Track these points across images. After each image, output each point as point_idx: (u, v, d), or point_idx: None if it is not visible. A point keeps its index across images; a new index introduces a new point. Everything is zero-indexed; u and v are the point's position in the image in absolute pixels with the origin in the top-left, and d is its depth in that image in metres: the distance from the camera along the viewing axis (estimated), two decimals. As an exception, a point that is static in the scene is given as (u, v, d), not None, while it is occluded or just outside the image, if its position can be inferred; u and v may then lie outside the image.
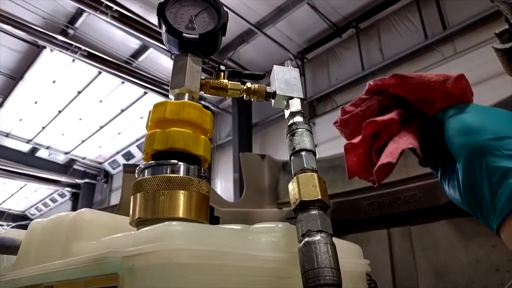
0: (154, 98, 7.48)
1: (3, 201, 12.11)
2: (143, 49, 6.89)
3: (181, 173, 0.48)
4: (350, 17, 6.03)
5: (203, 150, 0.50)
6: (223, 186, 7.51)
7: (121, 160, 9.96)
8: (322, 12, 5.95)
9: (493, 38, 0.55)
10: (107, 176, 10.70)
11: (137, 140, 9.14)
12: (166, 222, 0.40)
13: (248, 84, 0.58)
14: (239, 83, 0.58)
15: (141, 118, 8.31)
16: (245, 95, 0.58)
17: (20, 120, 8.59)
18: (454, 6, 5.03)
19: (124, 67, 6.57)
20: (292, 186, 0.47)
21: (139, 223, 0.47)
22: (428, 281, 1.90)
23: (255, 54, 6.84)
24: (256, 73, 0.61)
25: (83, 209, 0.54)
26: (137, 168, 0.49)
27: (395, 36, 5.63)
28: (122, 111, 8.20)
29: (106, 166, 10.51)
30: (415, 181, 2.13)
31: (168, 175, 0.47)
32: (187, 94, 0.54)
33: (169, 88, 0.55)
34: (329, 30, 6.29)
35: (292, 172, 0.48)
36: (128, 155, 9.70)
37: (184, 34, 0.55)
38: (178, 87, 0.54)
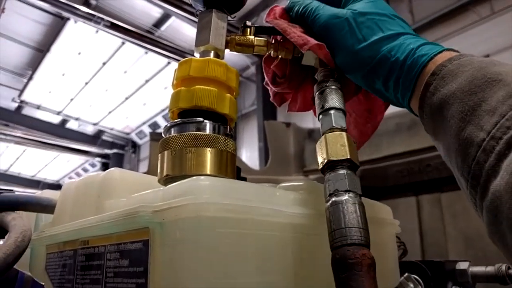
0: (177, 68, 7.48)
1: (39, 171, 12.72)
2: (165, 17, 6.83)
3: (207, 131, 0.48)
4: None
5: (228, 108, 0.50)
6: (248, 155, 7.57)
7: (148, 131, 10.17)
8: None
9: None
10: (135, 146, 10.98)
11: (162, 110, 9.26)
12: (194, 177, 0.40)
13: (275, 41, 0.56)
14: (266, 39, 0.56)
15: (165, 88, 8.38)
16: (272, 51, 0.56)
17: (49, 92, 8.85)
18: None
19: (147, 37, 6.57)
20: (319, 145, 0.46)
21: (167, 180, 0.47)
22: (458, 248, 1.88)
23: (279, 20, 6.66)
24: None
25: (112, 168, 0.55)
26: (164, 127, 0.49)
27: (427, -4, 5.33)
28: (147, 81, 8.28)
29: (133, 136, 10.77)
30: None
31: (195, 132, 0.47)
32: (212, 51, 0.53)
33: (194, 45, 0.54)
34: None
35: (320, 131, 0.47)
36: (154, 126, 9.88)
37: (207, -12, 0.53)
38: (203, 44, 0.53)
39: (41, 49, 7.66)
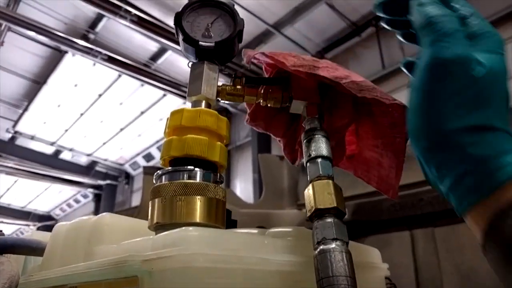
0: (173, 100, 7.59)
1: (29, 202, 12.51)
2: (161, 51, 6.99)
3: (198, 179, 0.49)
4: (369, 16, 5.95)
5: (218, 156, 0.51)
6: (243, 187, 7.54)
7: (142, 162, 10.14)
8: (341, 11, 5.90)
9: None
10: (128, 177, 10.90)
11: (157, 142, 9.28)
12: (183, 228, 0.41)
13: (264, 90, 0.59)
14: (255, 89, 0.59)
15: (161, 120, 8.44)
16: (261, 101, 0.59)
17: (44, 123, 8.87)
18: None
19: (143, 70, 6.69)
20: (307, 194, 0.47)
21: (157, 227, 0.48)
22: (453, 283, 1.86)
23: (273, 55, 6.84)
24: (273, 77, 0.62)
25: (104, 214, 0.56)
26: (155, 174, 0.51)
27: (415, 34, 5.52)
28: (142, 113, 8.35)
29: (127, 167, 10.71)
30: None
31: (185, 181, 0.48)
32: (203, 101, 0.55)
33: (186, 93, 0.56)
34: (348, 29, 6.23)
35: (308, 179, 0.49)
36: (148, 157, 9.86)
37: (200, 42, 0.56)
38: (195, 94, 0.55)
39: (38, 81, 7.75)
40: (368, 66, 6.00)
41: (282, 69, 0.57)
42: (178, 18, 0.57)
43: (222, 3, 0.60)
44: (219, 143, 0.52)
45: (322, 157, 0.49)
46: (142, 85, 7.25)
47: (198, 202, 0.47)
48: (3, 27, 6.40)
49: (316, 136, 0.51)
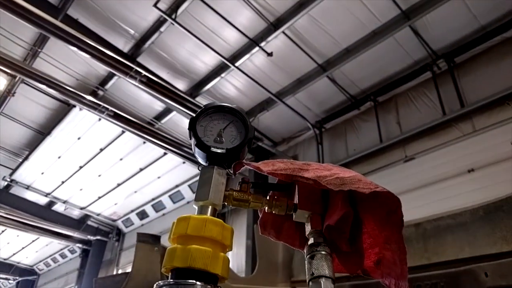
0: (173, 159, 7.63)
1: (13, 254, 12.03)
2: (166, 111, 7.19)
3: (198, 294, 0.48)
4: (368, 91, 6.21)
5: (221, 269, 0.51)
6: (235, 252, 7.30)
7: (135, 219, 9.94)
8: (341, 84, 6.17)
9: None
10: (119, 234, 10.61)
11: (153, 199, 9.19)
12: None
13: (269, 197, 0.60)
14: (261, 195, 0.60)
15: (159, 177, 8.42)
16: (266, 208, 0.59)
17: (42, 173, 8.84)
18: (472, 84, 5.15)
19: (147, 128, 6.82)
20: (309, 317, 0.46)
21: None
22: None
23: (274, 122, 7.03)
24: (280, 183, 0.63)
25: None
26: (156, 284, 0.50)
27: (413, 111, 5.72)
28: (141, 169, 8.36)
29: (119, 224, 10.47)
30: (436, 268, 2.03)
31: (185, 297, 0.47)
32: (210, 207, 0.56)
33: (194, 199, 0.57)
34: (347, 102, 6.46)
35: (310, 300, 0.48)
36: (142, 214, 9.69)
37: (212, 148, 0.58)
38: (202, 200, 0.56)
39: (42, 132, 7.86)
40: (366, 139, 6.13)
41: (288, 178, 0.58)
42: (193, 122, 0.60)
43: (235, 110, 0.63)
44: (222, 254, 0.52)
45: (325, 277, 0.49)
46: (144, 142, 7.34)
47: (198, 320, 0.46)
48: (17, 79, 6.65)
49: (319, 253, 0.51)
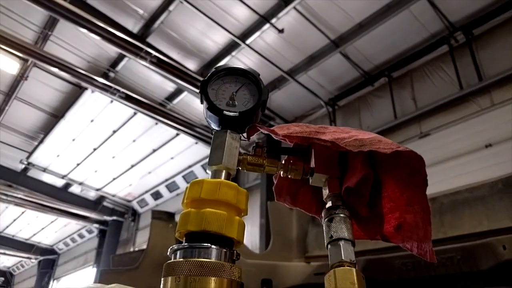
0: (186, 140, 7.67)
1: (34, 234, 12.42)
2: (178, 92, 7.17)
3: (213, 258, 0.47)
4: (382, 66, 6.07)
5: (236, 232, 0.49)
6: (249, 230, 7.39)
7: (149, 199, 10.09)
8: (354, 60, 6.04)
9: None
10: (135, 214, 10.82)
11: (166, 180, 9.28)
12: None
13: (285, 161, 0.57)
14: (276, 160, 0.58)
15: (172, 158, 8.48)
16: (282, 172, 0.57)
17: (58, 156, 8.99)
18: (490, 57, 4.98)
19: (159, 109, 6.83)
20: (328, 280, 0.44)
21: (170, 308, 0.45)
22: None
23: (286, 100, 6.95)
24: (295, 148, 0.61)
25: (113, 285, 0.53)
26: (170, 248, 0.49)
27: (428, 86, 5.58)
28: (154, 151, 8.42)
29: (134, 204, 10.66)
30: (452, 242, 2.00)
31: (200, 259, 0.46)
32: (224, 171, 0.54)
33: (207, 164, 0.55)
34: (361, 78, 6.34)
35: (329, 263, 0.46)
36: (157, 195, 9.82)
37: (224, 112, 0.56)
38: (216, 164, 0.54)
39: (56, 115, 7.95)
40: (380, 116, 6.03)
41: (304, 141, 0.56)
42: (204, 85, 0.58)
43: (247, 72, 0.60)
44: (237, 217, 0.50)
45: (345, 239, 0.47)
46: (156, 123, 7.37)
47: (213, 284, 0.44)
48: (29, 62, 6.70)
49: (338, 216, 0.49)
